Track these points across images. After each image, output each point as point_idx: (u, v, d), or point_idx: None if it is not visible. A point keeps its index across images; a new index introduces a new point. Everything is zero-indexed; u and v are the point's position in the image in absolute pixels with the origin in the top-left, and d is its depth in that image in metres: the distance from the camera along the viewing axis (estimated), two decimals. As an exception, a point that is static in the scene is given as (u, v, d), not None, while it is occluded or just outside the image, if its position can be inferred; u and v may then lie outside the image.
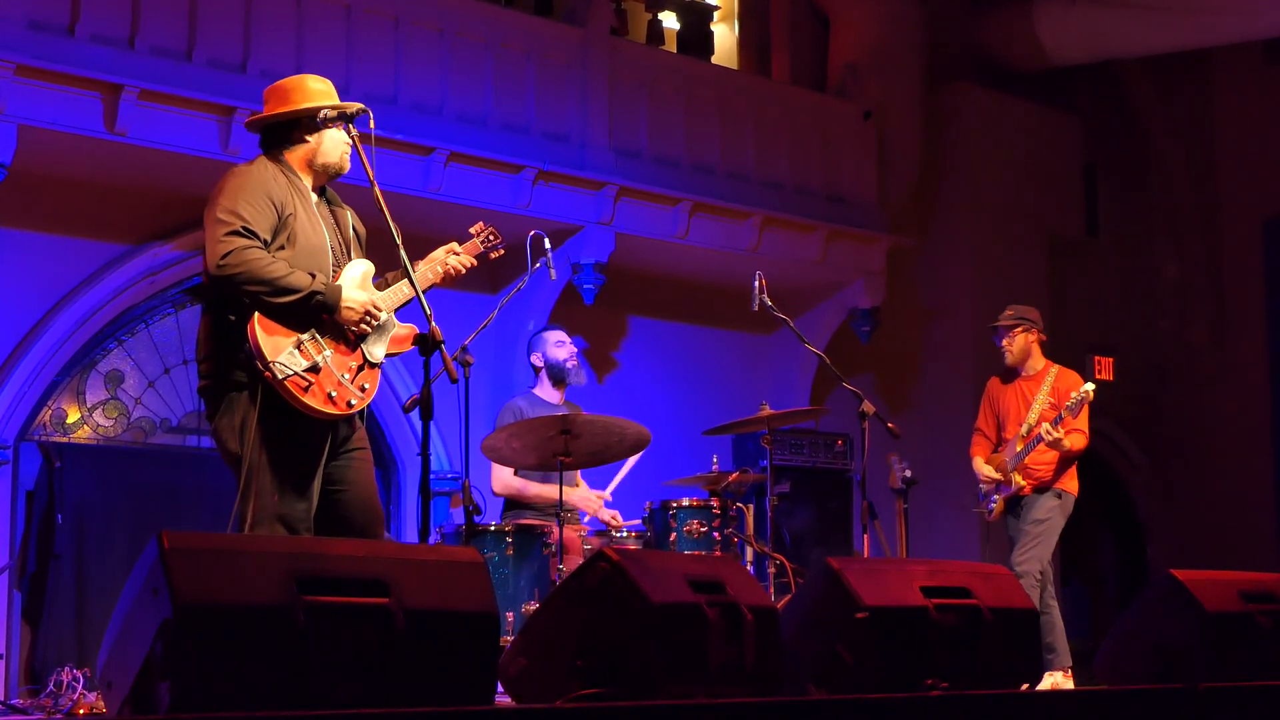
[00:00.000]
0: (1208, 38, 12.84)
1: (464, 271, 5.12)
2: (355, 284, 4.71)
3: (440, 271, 5.05)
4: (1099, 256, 14.28)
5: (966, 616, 4.45)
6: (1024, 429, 7.74)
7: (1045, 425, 7.54)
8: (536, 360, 7.49)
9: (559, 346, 7.45)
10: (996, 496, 7.80)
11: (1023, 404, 7.85)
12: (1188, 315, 14.67)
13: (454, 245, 5.16)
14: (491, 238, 5.43)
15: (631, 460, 7.31)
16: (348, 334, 4.65)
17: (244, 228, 4.48)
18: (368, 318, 4.62)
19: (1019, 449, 7.71)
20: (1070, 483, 7.77)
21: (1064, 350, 12.65)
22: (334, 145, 4.79)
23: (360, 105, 4.81)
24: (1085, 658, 11.20)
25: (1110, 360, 14.12)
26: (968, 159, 12.62)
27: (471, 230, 5.39)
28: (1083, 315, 13.73)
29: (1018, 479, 7.70)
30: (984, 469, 7.87)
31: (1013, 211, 12.80)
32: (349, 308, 4.59)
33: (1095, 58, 13.18)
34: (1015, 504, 7.79)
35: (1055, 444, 7.53)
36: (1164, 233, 14.84)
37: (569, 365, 7.43)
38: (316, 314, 4.54)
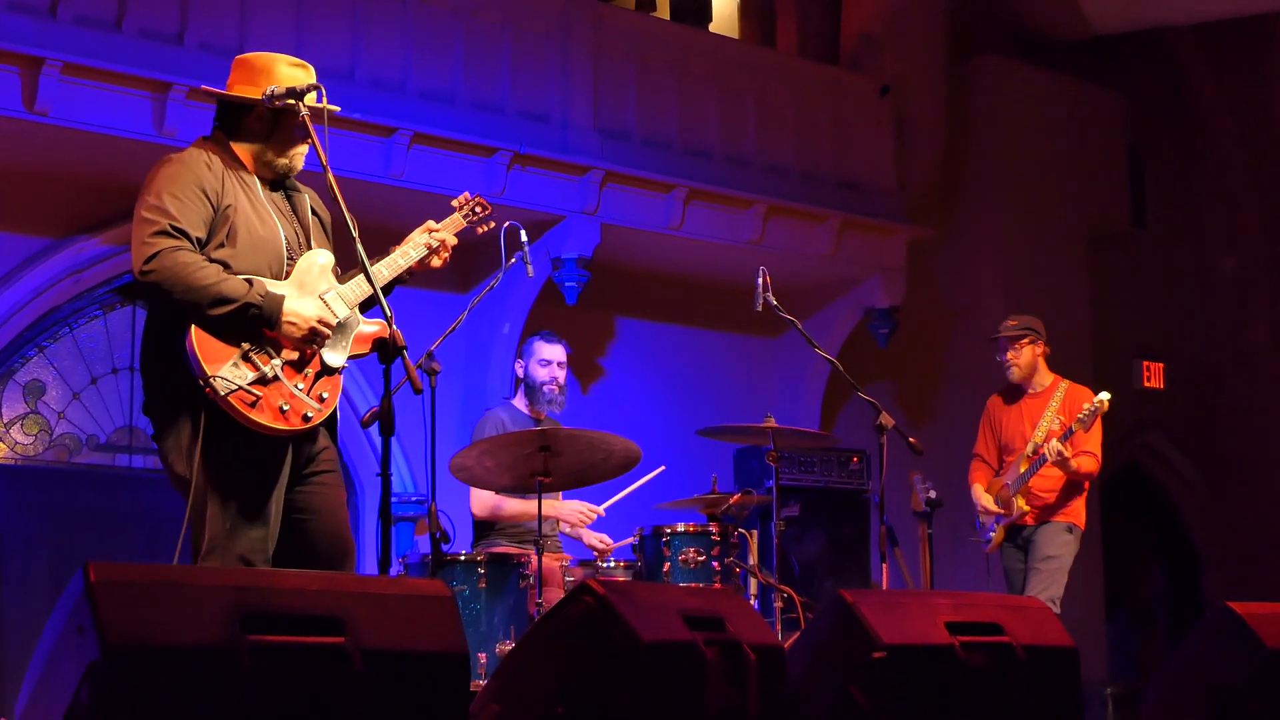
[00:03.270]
0: (1266, 3, 12.86)
1: (446, 251, 5.01)
2: (314, 277, 4.65)
3: (414, 255, 4.95)
4: (1146, 250, 14.30)
5: (997, 655, 4.46)
6: (1029, 448, 7.71)
7: (1053, 442, 7.50)
8: (518, 369, 7.47)
9: (543, 366, 7.35)
10: (995, 526, 7.78)
11: (1027, 423, 7.82)
12: (1246, 315, 14.70)
13: (430, 223, 5.06)
14: (478, 209, 5.31)
15: (648, 477, 7.31)
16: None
17: (172, 226, 4.41)
18: (313, 334, 4.54)
19: (1022, 470, 7.68)
20: (1080, 514, 7.76)
21: (1108, 356, 12.72)
22: (284, 146, 4.71)
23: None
24: (1133, 699, 11.21)
25: (1160, 366, 14.15)
26: (998, 140, 12.64)
27: (453, 203, 5.29)
28: (1128, 316, 13.76)
29: (1020, 503, 7.67)
30: (983, 498, 7.85)
31: (1049, 199, 12.82)
32: (290, 323, 4.49)
33: (1141, 25, 13.21)
34: (1016, 534, 7.78)
35: (1062, 463, 7.50)
36: (1219, 223, 14.87)
37: (546, 389, 7.33)
38: (255, 327, 4.47)
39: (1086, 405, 7.54)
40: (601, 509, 7.26)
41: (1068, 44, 13.36)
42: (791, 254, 10.80)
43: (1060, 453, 7.45)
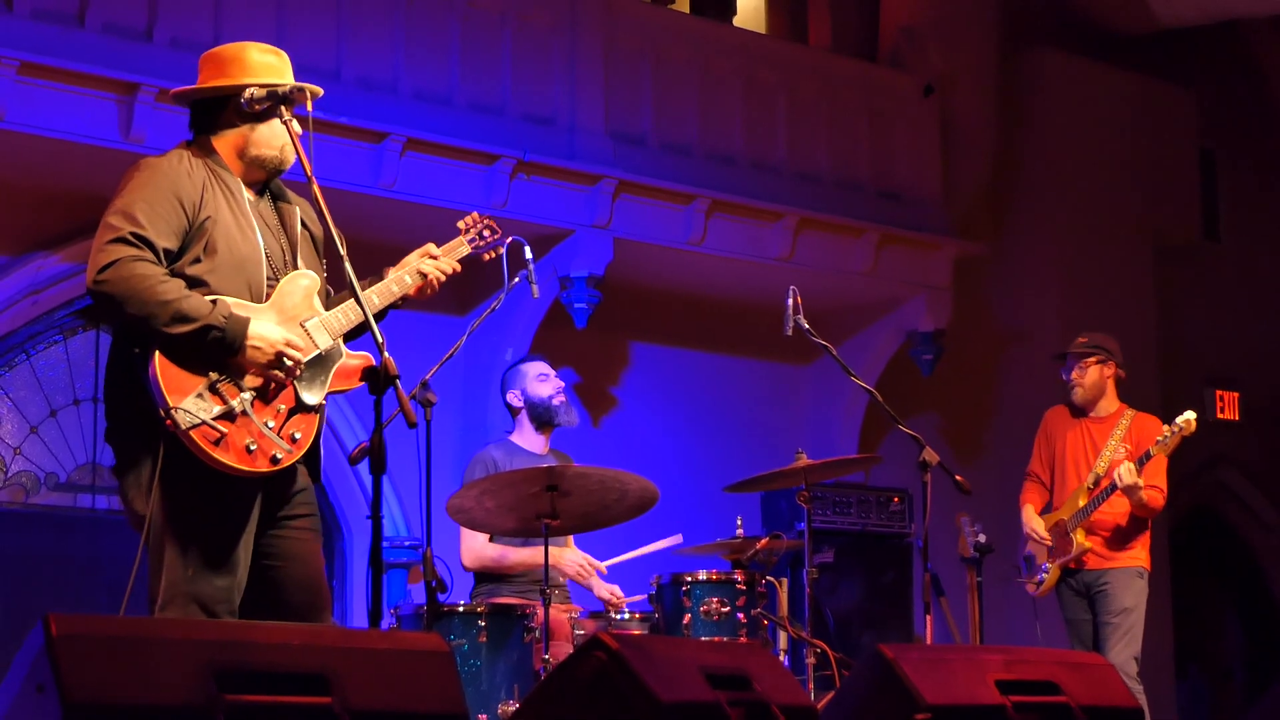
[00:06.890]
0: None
1: (443, 279, 5.02)
2: (296, 301, 4.65)
3: (409, 282, 4.95)
4: (1220, 265, 14.30)
5: (1053, 717, 4.46)
6: (1090, 479, 7.72)
7: (1125, 465, 7.52)
8: (514, 399, 7.47)
9: (542, 381, 7.43)
10: (1048, 564, 7.77)
11: (1089, 449, 7.82)
12: (1332, 338, 14.68)
13: (430, 247, 5.07)
14: (486, 233, 5.31)
15: (662, 543, 7.33)
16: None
17: (134, 234, 4.42)
18: (281, 360, 4.52)
19: (1082, 503, 7.68)
20: (1148, 556, 7.78)
21: (1177, 384, 12.70)
22: (271, 135, 4.72)
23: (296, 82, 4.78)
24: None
25: (1234, 396, 14.13)
26: (1054, 144, 12.65)
27: (460, 224, 5.29)
28: (1199, 339, 13.74)
29: (1080, 539, 7.67)
30: (1035, 523, 7.83)
31: (1111, 210, 12.83)
32: (255, 347, 4.47)
33: (1214, 18, 13.22)
34: (1074, 578, 7.78)
35: (1131, 489, 7.50)
36: (1301, 235, 14.87)
37: (556, 403, 7.41)
38: (217, 352, 4.46)
39: (1167, 428, 7.53)
40: (603, 565, 7.27)
41: (1133, 37, 13.37)
42: (825, 271, 10.81)
43: (1132, 471, 7.46)
